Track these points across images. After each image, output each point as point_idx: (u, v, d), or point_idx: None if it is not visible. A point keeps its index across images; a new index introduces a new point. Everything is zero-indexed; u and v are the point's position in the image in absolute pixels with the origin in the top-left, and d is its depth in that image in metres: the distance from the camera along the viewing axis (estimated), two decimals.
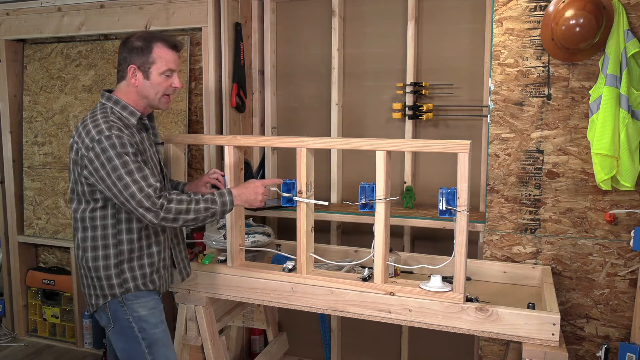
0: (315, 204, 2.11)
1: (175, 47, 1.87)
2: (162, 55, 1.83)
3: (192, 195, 1.78)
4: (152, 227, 1.84)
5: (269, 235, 2.51)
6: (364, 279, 2.03)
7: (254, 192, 1.95)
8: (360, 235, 3.01)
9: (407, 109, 2.79)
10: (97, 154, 1.70)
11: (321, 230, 2.97)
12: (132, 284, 1.83)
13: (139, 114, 1.86)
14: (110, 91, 1.88)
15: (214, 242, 2.39)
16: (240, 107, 2.98)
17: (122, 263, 1.81)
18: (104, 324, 1.87)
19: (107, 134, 1.71)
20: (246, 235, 2.38)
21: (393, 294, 1.95)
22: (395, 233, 2.80)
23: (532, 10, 2.31)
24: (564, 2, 2.18)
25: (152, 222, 1.72)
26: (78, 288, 3.45)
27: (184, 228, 2.24)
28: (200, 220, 1.81)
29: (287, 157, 3.16)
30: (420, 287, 1.96)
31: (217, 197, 1.83)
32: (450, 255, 1.90)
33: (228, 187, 1.91)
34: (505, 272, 2.33)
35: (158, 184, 1.73)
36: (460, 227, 1.83)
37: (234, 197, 1.88)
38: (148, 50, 1.81)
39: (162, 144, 2.12)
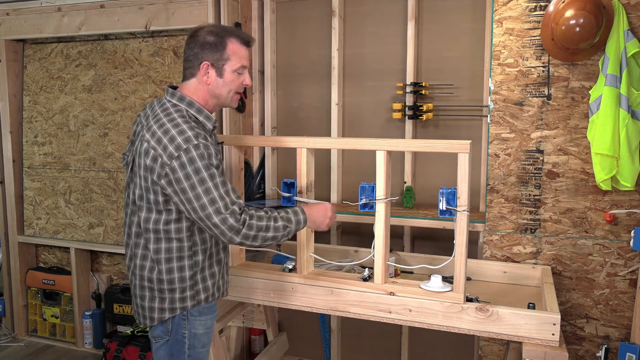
0: None
1: (248, 42, 1.76)
2: (236, 52, 1.71)
3: (269, 212, 1.70)
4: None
5: None
6: (364, 279, 2.03)
7: (323, 214, 1.90)
8: (360, 235, 3.01)
9: (407, 109, 2.79)
10: (182, 164, 1.57)
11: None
12: (203, 296, 1.75)
13: (214, 119, 1.75)
14: (174, 87, 1.75)
15: None
16: (240, 107, 2.98)
17: (196, 274, 1.73)
18: (156, 335, 1.76)
19: (195, 142, 1.58)
20: None
21: (393, 294, 1.95)
22: (395, 233, 2.80)
23: (532, 10, 2.31)
24: (564, 2, 2.18)
25: (232, 240, 1.62)
26: (78, 288, 3.45)
27: None
28: (277, 239, 1.72)
29: (287, 157, 3.16)
30: (420, 287, 1.96)
31: (292, 216, 1.76)
32: (450, 255, 1.90)
33: (301, 207, 1.84)
34: (505, 272, 2.33)
35: (241, 201, 1.64)
36: (460, 227, 1.83)
37: (307, 217, 1.82)
38: (222, 46, 1.69)
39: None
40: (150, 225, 1.68)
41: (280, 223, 1.71)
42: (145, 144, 1.63)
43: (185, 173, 1.57)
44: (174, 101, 1.71)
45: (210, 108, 1.76)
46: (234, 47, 1.71)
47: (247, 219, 1.63)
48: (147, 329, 1.86)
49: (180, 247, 1.69)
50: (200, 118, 1.71)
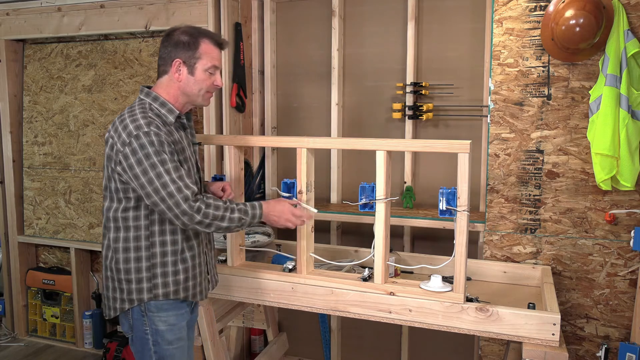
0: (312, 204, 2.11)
1: (220, 44, 1.82)
2: (208, 52, 1.77)
3: (227, 203, 1.74)
4: (185, 230, 1.78)
5: (269, 235, 2.51)
6: (364, 279, 2.03)
7: (279, 213, 1.87)
8: (360, 235, 3.01)
9: (407, 109, 2.79)
10: (134, 150, 1.63)
11: (321, 230, 2.96)
12: (161, 291, 1.74)
13: (177, 112, 1.78)
14: (149, 87, 1.81)
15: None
16: (240, 107, 2.98)
17: (154, 267, 1.73)
18: (125, 330, 1.82)
19: (146, 130, 1.64)
20: (246, 235, 2.37)
21: (393, 294, 1.95)
22: (395, 233, 2.80)
23: (532, 10, 2.31)
24: (564, 2, 2.18)
25: (185, 225, 1.66)
26: (78, 288, 3.45)
27: (214, 234, 2.17)
28: (231, 230, 1.78)
29: (287, 157, 3.16)
30: (420, 287, 1.96)
31: (250, 209, 1.79)
32: (450, 255, 1.90)
33: (260, 202, 1.86)
34: (505, 272, 2.33)
35: (195, 187, 1.68)
36: (460, 227, 1.83)
37: (264, 213, 1.84)
38: (195, 46, 1.75)
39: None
40: (111, 214, 1.75)
41: (236, 215, 1.75)
42: (107, 134, 1.75)
43: (137, 159, 1.63)
44: (141, 97, 1.79)
45: (180, 105, 1.81)
46: (206, 47, 1.77)
47: (203, 207, 1.67)
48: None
49: (137, 237, 1.73)
50: (162, 111, 1.76)
